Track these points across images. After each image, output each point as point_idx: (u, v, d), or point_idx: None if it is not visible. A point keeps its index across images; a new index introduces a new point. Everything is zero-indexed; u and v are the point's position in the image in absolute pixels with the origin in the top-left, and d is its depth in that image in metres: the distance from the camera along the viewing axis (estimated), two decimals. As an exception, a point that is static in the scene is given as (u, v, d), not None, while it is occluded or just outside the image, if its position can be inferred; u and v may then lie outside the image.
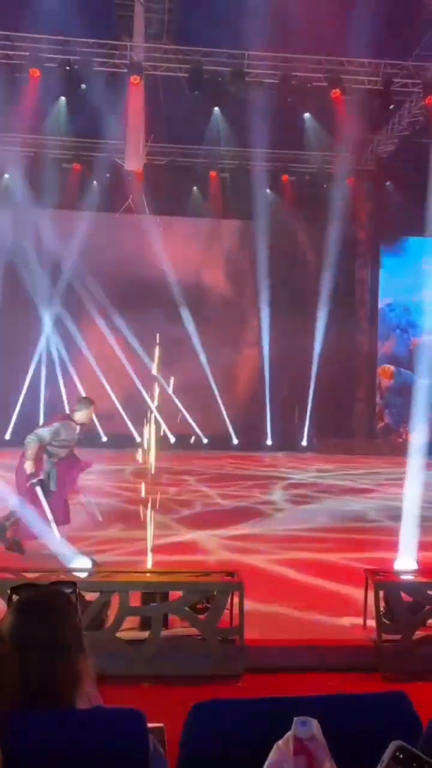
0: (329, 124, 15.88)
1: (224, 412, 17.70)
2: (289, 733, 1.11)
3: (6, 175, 17.20)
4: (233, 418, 17.74)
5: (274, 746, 1.12)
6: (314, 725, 1.09)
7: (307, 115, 16.07)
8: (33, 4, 13.66)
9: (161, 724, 1.89)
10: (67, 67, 14.41)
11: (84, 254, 16.59)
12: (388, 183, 17.95)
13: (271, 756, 1.11)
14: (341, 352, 18.27)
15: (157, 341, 4.85)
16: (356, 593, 5.22)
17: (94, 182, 17.43)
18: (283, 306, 17.95)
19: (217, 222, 18.13)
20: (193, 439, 16.75)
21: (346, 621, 4.97)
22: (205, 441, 17.08)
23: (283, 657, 4.36)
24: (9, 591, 1.55)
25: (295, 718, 1.11)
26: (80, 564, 4.81)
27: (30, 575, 4.36)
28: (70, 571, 4.67)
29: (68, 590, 1.58)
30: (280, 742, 1.11)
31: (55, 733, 1.28)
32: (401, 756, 1.02)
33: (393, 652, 4.37)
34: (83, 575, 4.51)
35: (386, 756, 1.03)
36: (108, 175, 17.14)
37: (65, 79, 14.51)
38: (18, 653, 1.37)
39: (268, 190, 17.98)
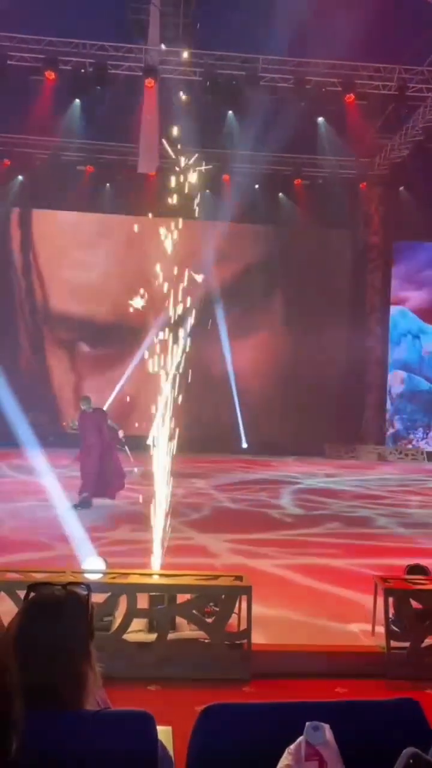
0: (343, 128, 15.85)
1: (239, 414, 17.69)
2: (300, 738, 1.10)
3: (20, 177, 17.29)
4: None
5: (285, 751, 1.10)
6: (326, 731, 1.08)
7: (320, 119, 16.05)
8: (49, 7, 13.77)
9: (169, 727, 1.88)
10: (82, 70, 14.49)
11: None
12: (401, 188, 17.89)
13: (283, 760, 1.09)
14: (352, 357, 18.22)
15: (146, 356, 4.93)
16: (364, 599, 5.19)
17: (107, 185, 17.49)
18: (294, 310, 17.91)
19: (228, 225, 18.12)
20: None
21: (355, 627, 4.93)
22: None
23: (291, 662, 4.33)
24: (27, 589, 1.55)
25: (307, 724, 1.09)
26: (93, 565, 4.80)
27: (38, 575, 4.36)
28: (82, 572, 4.66)
29: (83, 592, 1.57)
30: (291, 747, 1.10)
31: (64, 733, 1.27)
32: (414, 763, 1.00)
33: (401, 660, 4.33)
34: (93, 576, 4.50)
35: (400, 763, 1.01)
36: (120, 177, 17.20)
37: (80, 81, 14.59)
38: (27, 653, 1.36)
39: (281, 194, 17.96)
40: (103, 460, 9.59)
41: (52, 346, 18.30)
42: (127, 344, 15.88)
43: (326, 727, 1.09)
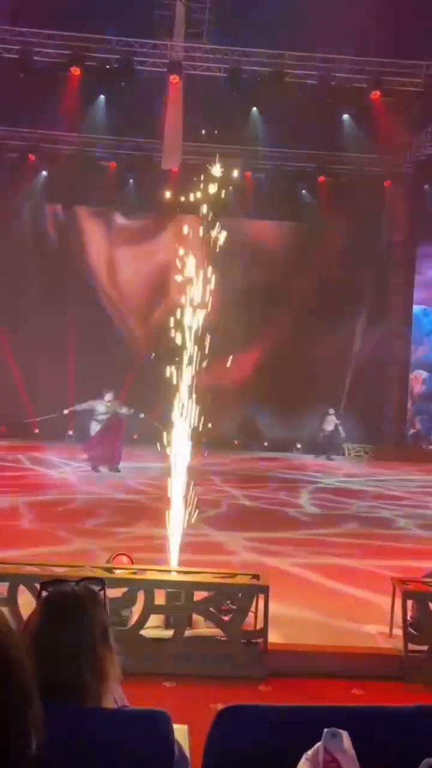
0: (368, 125, 15.71)
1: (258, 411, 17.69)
2: (318, 744, 1.09)
3: (44, 172, 17.39)
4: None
5: (303, 757, 1.09)
6: (345, 738, 1.07)
7: (345, 116, 15.93)
8: (75, 3, 13.83)
9: (185, 726, 1.87)
10: (108, 66, 14.53)
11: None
12: (426, 186, 17.69)
13: (300, 766, 1.09)
14: (373, 356, 18.08)
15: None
16: (382, 601, 5.15)
17: (130, 180, 17.54)
18: (315, 308, 17.81)
19: (249, 223, 18.06)
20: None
21: (372, 629, 4.91)
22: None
23: (307, 662, 4.32)
24: (38, 586, 1.55)
25: (325, 730, 1.08)
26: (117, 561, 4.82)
27: (57, 570, 4.40)
28: (101, 567, 4.68)
29: (97, 587, 1.57)
30: (308, 752, 1.09)
31: (80, 730, 1.28)
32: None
33: (419, 663, 4.30)
34: (109, 572, 4.52)
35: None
36: (144, 173, 17.24)
37: (105, 77, 14.63)
38: (44, 651, 1.37)
39: (303, 191, 17.86)
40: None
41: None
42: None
43: (345, 734, 1.08)
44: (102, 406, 12.75)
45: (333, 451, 16.89)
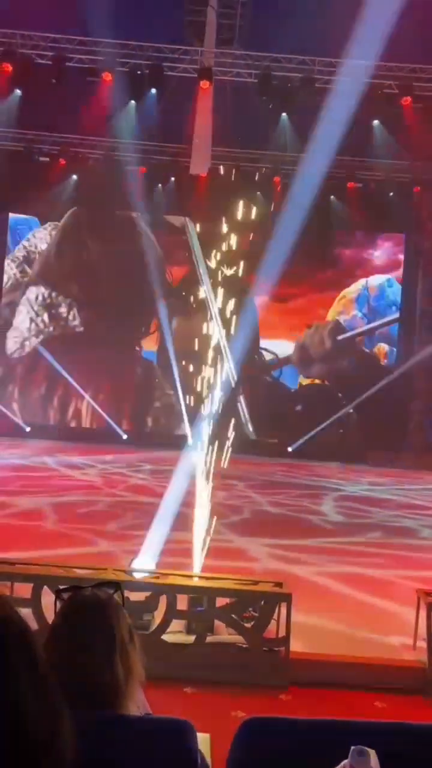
0: (398, 131, 15.60)
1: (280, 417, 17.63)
2: (345, 762, 1.07)
3: (74, 177, 17.59)
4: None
5: (328, 773, 1.08)
6: (372, 757, 1.05)
7: (375, 122, 15.83)
8: (107, 9, 13.95)
9: (207, 735, 1.87)
10: (138, 72, 14.64)
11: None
12: (456, 193, 17.51)
13: (325, 783, 1.08)
14: (399, 363, 17.92)
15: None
16: (406, 612, 5.09)
17: (159, 185, 17.64)
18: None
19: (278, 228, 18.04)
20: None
21: (395, 640, 4.85)
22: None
23: (329, 672, 4.28)
24: (55, 594, 1.57)
25: (352, 748, 1.07)
26: (143, 564, 4.83)
27: (80, 572, 4.42)
28: (124, 570, 4.70)
29: (111, 590, 1.58)
30: (334, 769, 1.08)
31: (104, 737, 1.28)
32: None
33: (443, 677, 4.24)
34: (135, 576, 4.54)
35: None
36: (173, 178, 17.33)
37: (136, 83, 14.74)
38: (79, 655, 1.38)
39: (332, 197, 17.80)
40: None
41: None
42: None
43: (372, 752, 1.06)
44: None
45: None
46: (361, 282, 18.58)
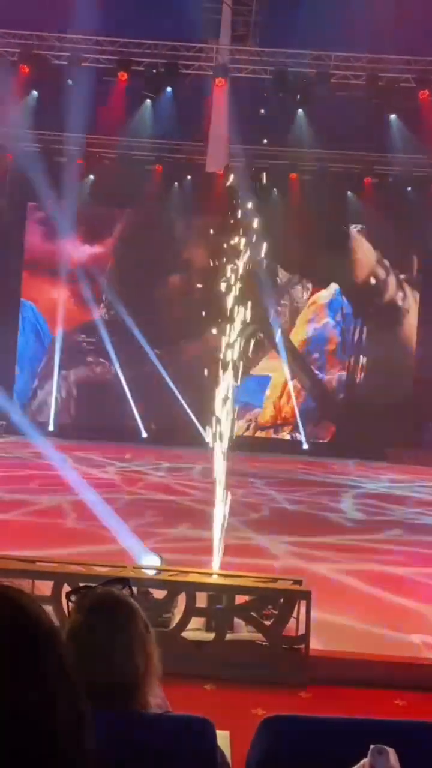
0: (415, 125, 15.46)
1: (297, 415, 17.59)
2: (364, 760, 1.07)
3: (91, 176, 17.65)
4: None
5: (347, 772, 1.08)
6: (391, 756, 1.05)
7: (392, 116, 15.70)
8: (123, 8, 13.99)
9: (227, 732, 1.87)
10: (154, 70, 14.66)
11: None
12: None
13: (344, 781, 1.07)
14: (418, 360, 17.78)
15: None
16: (427, 610, 5.06)
17: (175, 183, 17.66)
18: (360, 310, 17.61)
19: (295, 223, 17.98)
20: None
21: (416, 638, 4.82)
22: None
23: (349, 670, 4.26)
24: (65, 596, 1.59)
25: (371, 747, 1.06)
26: (149, 561, 4.86)
27: (100, 569, 4.45)
28: (143, 567, 4.72)
29: (120, 586, 1.59)
30: (354, 768, 1.07)
31: (125, 734, 1.29)
32: None
33: (465, 676, 4.20)
34: (152, 573, 4.56)
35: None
36: (189, 176, 17.34)
37: (152, 81, 14.76)
38: (100, 653, 1.39)
39: (349, 193, 17.69)
40: None
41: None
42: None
43: (391, 751, 1.06)
44: None
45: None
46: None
